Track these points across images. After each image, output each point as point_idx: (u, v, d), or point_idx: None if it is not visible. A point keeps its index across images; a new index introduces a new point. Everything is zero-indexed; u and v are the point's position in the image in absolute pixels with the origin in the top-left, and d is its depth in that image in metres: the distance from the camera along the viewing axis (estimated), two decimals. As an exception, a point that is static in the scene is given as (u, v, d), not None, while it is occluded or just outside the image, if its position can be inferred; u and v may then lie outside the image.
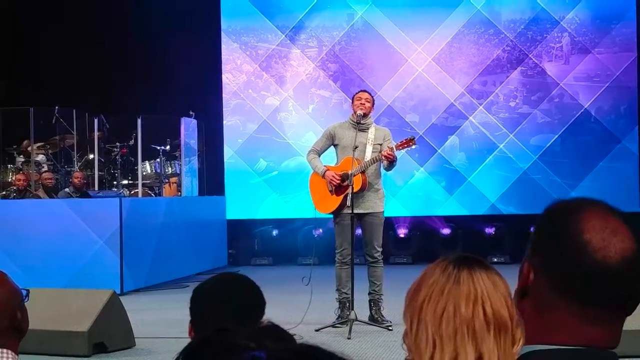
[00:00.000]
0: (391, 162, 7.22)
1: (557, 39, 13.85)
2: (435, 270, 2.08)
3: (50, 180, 12.08)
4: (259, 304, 2.49)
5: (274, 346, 0.82)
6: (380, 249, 7.46)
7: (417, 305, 2.05)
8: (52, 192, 11.99)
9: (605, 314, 1.32)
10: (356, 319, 7.00)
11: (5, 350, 2.43)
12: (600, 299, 1.31)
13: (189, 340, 1.61)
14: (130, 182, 12.55)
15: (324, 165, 7.52)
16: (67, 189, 11.92)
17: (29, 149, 12.39)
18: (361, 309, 7.26)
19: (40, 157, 12.52)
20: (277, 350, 0.81)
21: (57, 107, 12.37)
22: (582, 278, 1.31)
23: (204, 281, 2.58)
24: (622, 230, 1.32)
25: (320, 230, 12.06)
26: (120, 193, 11.66)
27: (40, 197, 11.61)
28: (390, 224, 12.96)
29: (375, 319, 7.33)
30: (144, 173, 12.38)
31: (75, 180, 11.80)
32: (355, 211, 7.21)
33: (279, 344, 1.10)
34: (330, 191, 7.42)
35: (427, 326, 2.01)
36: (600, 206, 1.35)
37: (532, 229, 1.45)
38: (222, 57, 14.41)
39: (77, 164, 12.47)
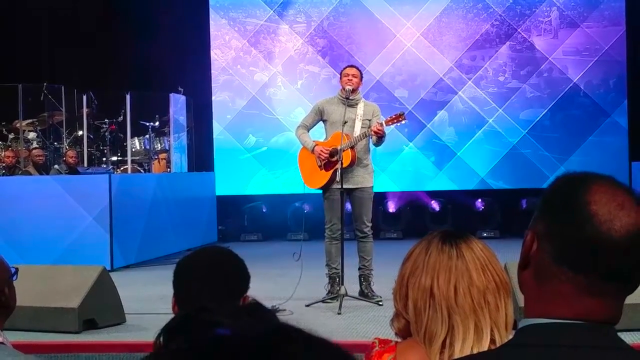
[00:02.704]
0: (380, 138, 7.22)
1: (545, 13, 13.82)
2: (430, 252, 2.08)
3: (40, 157, 12.03)
4: (243, 277, 2.47)
5: (241, 323, 0.82)
6: (369, 224, 7.46)
7: (424, 288, 2.05)
8: (41, 169, 11.95)
9: (606, 288, 1.32)
10: (346, 294, 7.02)
11: (-11, 326, 2.43)
12: (600, 272, 1.31)
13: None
14: (119, 158, 12.52)
15: (313, 141, 7.52)
16: (56, 166, 11.88)
17: (18, 125, 12.34)
18: (351, 284, 7.27)
19: (31, 135, 12.47)
20: (244, 327, 0.80)
21: (45, 84, 12.31)
22: (584, 248, 1.31)
23: (186, 255, 2.56)
24: (629, 205, 1.32)
25: (308, 207, 12.05)
26: (109, 170, 11.63)
27: (30, 174, 11.57)
28: (379, 199, 12.96)
29: (366, 294, 7.34)
30: (133, 149, 12.34)
31: (70, 160, 11.74)
32: (345, 186, 7.22)
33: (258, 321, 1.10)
34: (320, 166, 7.42)
35: (442, 306, 2.01)
36: (608, 180, 1.35)
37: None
38: (211, 32, 14.34)
39: (66, 140, 12.42)
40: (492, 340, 2.00)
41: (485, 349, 1.97)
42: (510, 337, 1.44)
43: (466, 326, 1.99)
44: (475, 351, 1.96)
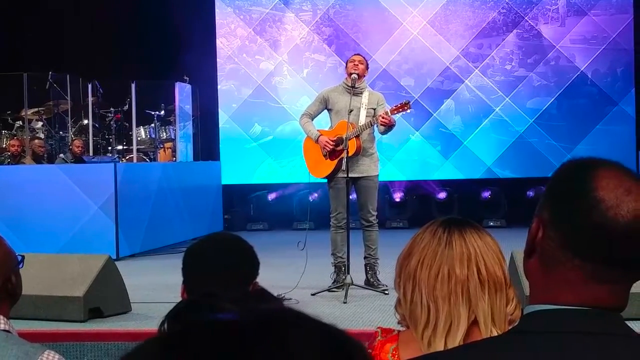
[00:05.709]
0: (389, 127, 7.19)
1: (553, 1, 13.76)
2: (425, 235, 2.07)
3: (41, 148, 12.01)
4: (252, 264, 2.46)
5: (244, 308, 0.80)
6: (375, 213, 7.44)
7: (411, 271, 2.04)
8: (42, 159, 11.92)
9: (612, 274, 1.30)
10: (352, 283, 7.00)
11: (-4, 315, 2.42)
12: (607, 258, 1.29)
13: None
14: (124, 147, 12.52)
15: (317, 130, 7.49)
16: (62, 155, 11.87)
17: (24, 114, 12.34)
18: (357, 273, 7.26)
19: (38, 124, 12.47)
20: (246, 311, 0.78)
21: (50, 73, 12.30)
22: (590, 234, 1.29)
23: (195, 242, 2.55)
24: (636, 190, 1.30)
25: (316, 195, 12.04)
26: (115, 159, 11.63)
27: (26, 164, 11.53)
28: (385, 188, 12.95)
29: (371, 283, 7.33)
30: (139, 138, 12.35)
31: (76, 149, 11.74)
32: (350, 175, 7.19)
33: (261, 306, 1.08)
34: (325, 155, 7.40)
35: (422, 291, 2.00)
36: (615, 165, 1.34)
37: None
38: (216, 21, 14.31)
39: (71, 129, 12.42)
40: (471, 334, 1.97)
41: (457, 341, 1.94)
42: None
43: (438, 315, 1.97)
44: (450, 343, 1.93)
